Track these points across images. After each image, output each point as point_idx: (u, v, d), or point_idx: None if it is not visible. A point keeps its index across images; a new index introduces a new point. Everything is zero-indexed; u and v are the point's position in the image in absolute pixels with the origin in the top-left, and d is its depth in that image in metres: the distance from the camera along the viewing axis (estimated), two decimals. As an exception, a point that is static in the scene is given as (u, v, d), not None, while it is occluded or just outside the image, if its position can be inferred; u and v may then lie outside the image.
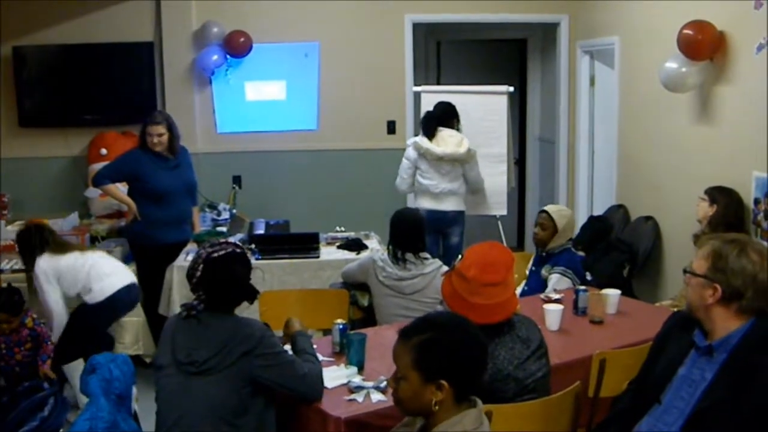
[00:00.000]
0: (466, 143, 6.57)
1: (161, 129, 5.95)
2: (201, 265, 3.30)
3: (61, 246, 5.10)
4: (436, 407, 2.42)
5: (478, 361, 2.50)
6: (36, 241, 5.01)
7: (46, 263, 4.97)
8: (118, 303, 5.13)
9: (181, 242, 6.05)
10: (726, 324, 2.69)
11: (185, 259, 5.72)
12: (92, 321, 5.09)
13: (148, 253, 6.04)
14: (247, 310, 4.28)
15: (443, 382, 2.40)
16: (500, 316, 3.04)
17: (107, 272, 5.11)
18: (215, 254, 3.33)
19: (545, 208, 5.26)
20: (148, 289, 5.79)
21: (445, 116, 6.71)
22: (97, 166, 7.24)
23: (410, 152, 6.66)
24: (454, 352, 2.43)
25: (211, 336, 3.21)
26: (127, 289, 5.14)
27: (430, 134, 6.59)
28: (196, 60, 7.66)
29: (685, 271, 2.84)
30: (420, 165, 6.61)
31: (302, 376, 3.24)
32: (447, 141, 6.56)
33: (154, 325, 5.73)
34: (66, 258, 5.03)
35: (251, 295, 3.45)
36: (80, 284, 5.00)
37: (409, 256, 4.72)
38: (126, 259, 6.01)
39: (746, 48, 5.11)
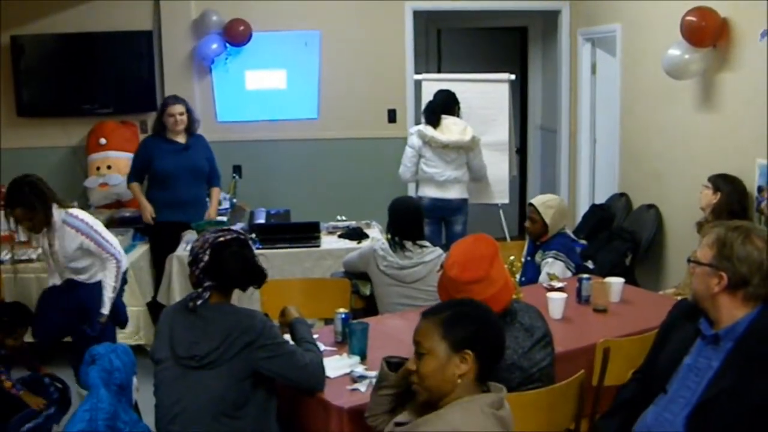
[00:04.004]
0: (470, 131, 6.57)
1: (181, 108, 6.17)
2: (208, 250, 3.26)
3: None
4: (460, 381, 2.47)
5: (500, 337, 2.60)
6: (46, 188, 4.54)
7: (76, 211, 4.62)
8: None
9: (184, 224, 6.14)
10: (732, 312, 2.67)
11: (185, 248, 5.71)
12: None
13: (157, 234, 6.25)
14: (248, 300, 4.28)
15: (468, 352, 2.46)
16: None
17: None
18: (222, 238, 3.30)
19: (532, 200, 5.26)
20: (161, 274, 5.93)
21: (447, 104, 6.71)
22: (96, 156, 7.28)
23: (414, 140, 6.64)
24: (482, 323, 2.55)
25: (211, 329, 3.18)
26: None
27: (435, 123, 6.57)
28: (195, 49, 7.63)
29: (689, 260, 2.81)
30: (424, 153, 6.59)
31: (304, 366, 3.22)
32: (451, 129, 6.55)
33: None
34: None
35: (261, 277, 3.43)
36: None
37: (407, 244, 4.70)
38: (128, 248, 6.01)
39: (750, 35, 5.08)
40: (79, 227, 4.52)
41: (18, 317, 4.74)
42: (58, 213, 4.51)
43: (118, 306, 4.84)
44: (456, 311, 2.58)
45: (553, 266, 4.98)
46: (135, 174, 6.32)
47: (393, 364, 2.85)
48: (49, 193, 4.53)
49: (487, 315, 2.61)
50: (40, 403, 4.41)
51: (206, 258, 3.26)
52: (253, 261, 3.42)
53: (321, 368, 3.30)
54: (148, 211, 6.17)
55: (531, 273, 5.12)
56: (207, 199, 6.46)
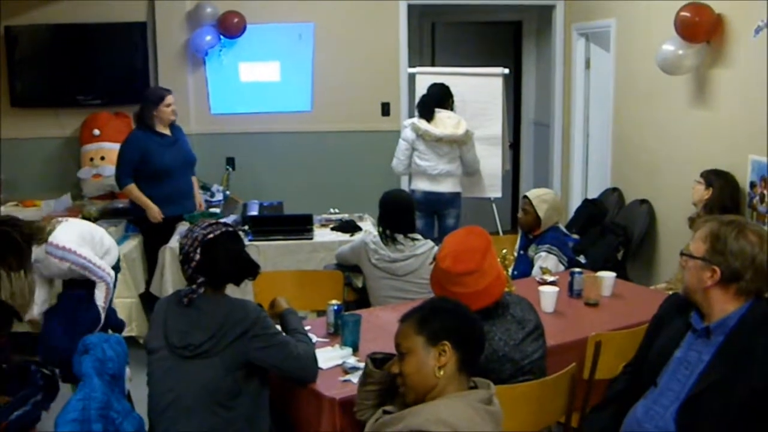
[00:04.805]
0: (463, 124, 6.57)
1: (173, 98, 6.15)
2: (199, 249, 3.26)
3: (41, 228, 4.20)
4: (441, 372, 2.50)
5: (475, 327, 2.63)
6: (19, 234, 4.03)
7: (61, 234, 4.32)
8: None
9: (179, 216, 6.16)
10: (724, 306, 2.69)
11: (178, 240, 5.71)
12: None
13: (150, 228, 6.16)
14: (240, 292, 4.28)
15: (446, 343, 2.51)
16: (482, 303, 3.03)
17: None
18: (211, 235, 3.30)
19: (527, 193, 5.30)
20: (154, 266, 5.92)
21: (441, 97, 6.71)
22: (90, 147, 7.27)
23: (408, 133, 6.64)
24: (455, 314, 2.61)
25: (205, 319, 3.20)
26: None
27: (428, 116, 6.58)
28: (189, 40, 7.61)
29: (682, 254, 2.82)
30: (417, 146, 6.59)
31: (297, 356, 3.23)
32: (445, 122, 6.55)
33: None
34: (67, 225, 4.49)
35: (254, 270, 3.44)
36: (97, 248, 4.60)
37: (399, 237, 4.71)
38: (121, 240, 6.02)
39: (744, 31, 5.09)
40: (63, 257, 4.32)
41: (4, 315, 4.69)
42: (39, 250, 4.19)
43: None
44: (429, 308, 2.66)
45: (546, 260, 4.99)
46: (129, 173, 6.08)
47: (378, 360, 2.87)
48: (23, 236, 3.99)
49: (459, 307, 2.68)
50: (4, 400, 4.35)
51: (198, 257, 3.26)
52: (245, 254, 3.43)
53: (313, 359, 3.31)
54: (156, 211, 6.05)
55: (524, 266, 5.13)
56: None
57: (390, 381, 2.73)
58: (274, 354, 3.19)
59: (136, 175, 6.11)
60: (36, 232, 4.15)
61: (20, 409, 4.30)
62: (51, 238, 4.29)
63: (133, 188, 6.09)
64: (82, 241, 4.48)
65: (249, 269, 3.44)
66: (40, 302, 4.49)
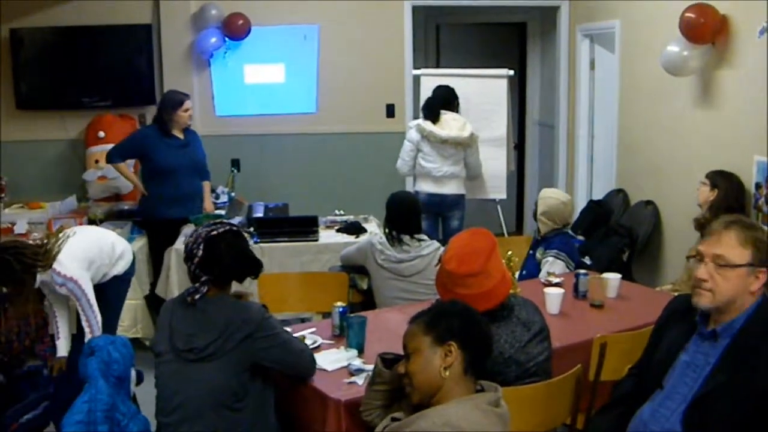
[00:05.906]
0: (469, 127, 6.56)
1: (191, 103, 6.24)
2: (202, 245, 3.28)
3: (48, 252, 4.13)
4: (447, 373, 2.50)
5: (482, 329, 2.65)
6: (20, 264, 3.99)
7: (66, 259, 4.16)
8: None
9: (185, 219, 6.15)
10: (744, 307, 2.67)
11: (184, 242, 5.71)
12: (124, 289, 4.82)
13: (155, 230, 6.21)
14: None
15: (452, 343, 2.52)
16: (487, 305, 3.02)
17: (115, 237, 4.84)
18: (215, 232, 3.32)
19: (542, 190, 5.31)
20: (159, 268, 5.92)
21: (446, 99, 6.72)
22: (95, 149, 7.28)
23: (413, 134, 6.64)
24: (463, 316, 2.62)
25: (210, 321, 3.20)
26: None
27: (434, 118, 6.57)
28: (194, 43, 7.63)
29: (721, 265, 2.68)
30: (422, 147, 6.59)
31: (301, 352, 3.30)
32: (450, 124, 6.55)
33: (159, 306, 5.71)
34: (75, 243, 4.28)
35: (257, 267, 3.45)
36: (108, 258, 4.57)
37: (405, 237, 4.72)
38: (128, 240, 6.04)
39: (748, 32, 5.08)
40: (67, 287, 4.15)
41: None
42: (44, 275, 4.10)
43: None
44: (437, 310, 2.69)
45: (553, 265, 4.97)
46: (122, 155, 6.23)
47: (388, 360, 2.88)
48: (24, 266, 3.99)
49: (468, 309, 2.69)
50: None
51: (200, 253, 3.28)
52: (248, 251, 3.44)
53: (312, 356, 3.38)
54: (141, 188, 6.24)
55: (531, 267, 5.12)
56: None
57: (398, 382, 2.73)
58: (280, 352, 3.23)
59: (143, 174, 6.27)
60: (39, 260, 4.08)
61: (31, 412, 4.32)
62: (55, 264, 4.14)
63: (122, 165, 6.29)
64: (88, 262, 4.36)
65: (252, 266, 3.44)
66: (63, 337, 4.38)
